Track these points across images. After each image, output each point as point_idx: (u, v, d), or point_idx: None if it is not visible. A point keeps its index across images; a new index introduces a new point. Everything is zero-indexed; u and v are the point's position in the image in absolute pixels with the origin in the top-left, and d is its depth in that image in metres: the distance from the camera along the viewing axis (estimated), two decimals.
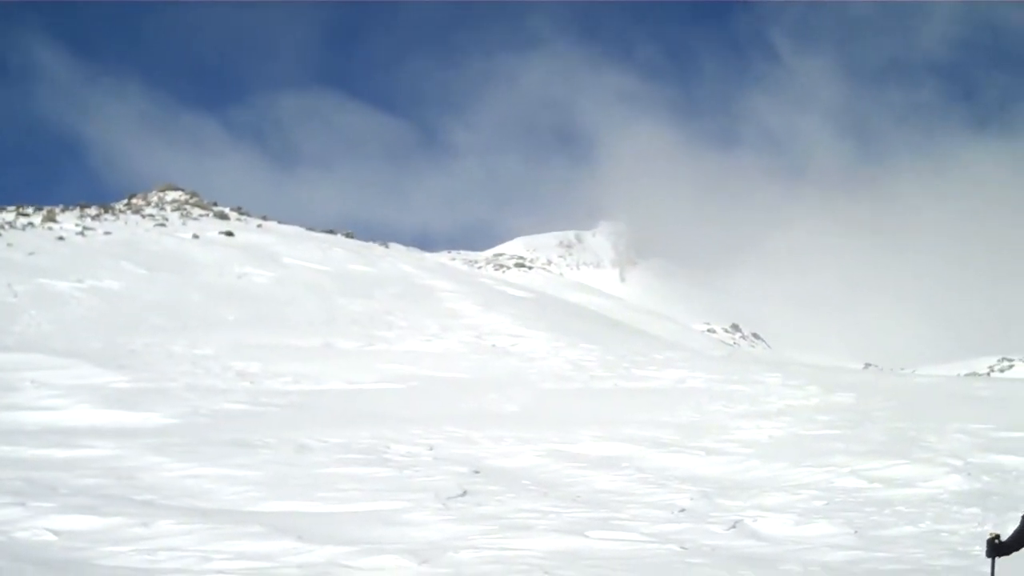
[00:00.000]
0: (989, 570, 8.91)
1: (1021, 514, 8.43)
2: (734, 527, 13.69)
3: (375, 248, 67.86)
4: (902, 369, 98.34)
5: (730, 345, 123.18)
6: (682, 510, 14.76)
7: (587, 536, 12.70)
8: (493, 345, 39.09)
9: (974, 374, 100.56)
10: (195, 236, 56.69)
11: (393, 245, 77.71)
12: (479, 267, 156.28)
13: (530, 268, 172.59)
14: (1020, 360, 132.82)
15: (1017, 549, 8.41)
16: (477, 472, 17.29)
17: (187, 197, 67.53)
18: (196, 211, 64.27)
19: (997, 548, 8.36)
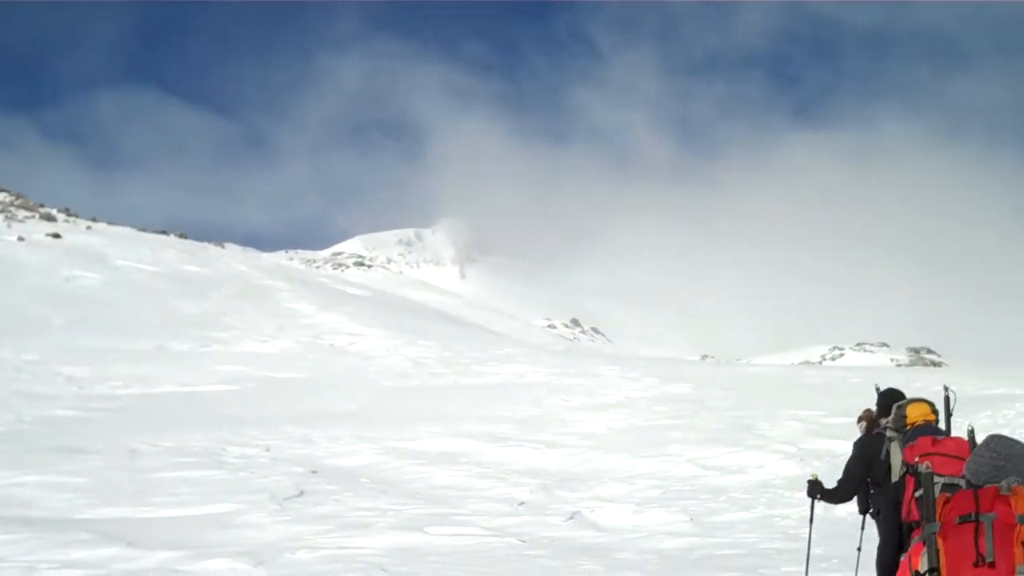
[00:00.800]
0: (809, 513, 9.09)
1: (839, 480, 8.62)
2: (572, 518, 13.75)
3: (210, 249, 66.58)
4: (738, 359, 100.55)
5: (570, 340, 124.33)
6: (521, 503, 14.78)
7: (426, 532, 12.59)
8: (331, 344, 38.69)
9: (807, 363, 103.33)
10: (20, 238, 54.74)
11: (229, 246, 76.41)
12: (317, 267, 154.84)
13: (369, 267, 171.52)
14: (851, 348, 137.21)
15: (833, 501, 8.60)
16: (315, 472, 17.02)
17: (12, 199, 65.14)
18: (22, 213, 62.08)
19: (818, 489, 8.54)
